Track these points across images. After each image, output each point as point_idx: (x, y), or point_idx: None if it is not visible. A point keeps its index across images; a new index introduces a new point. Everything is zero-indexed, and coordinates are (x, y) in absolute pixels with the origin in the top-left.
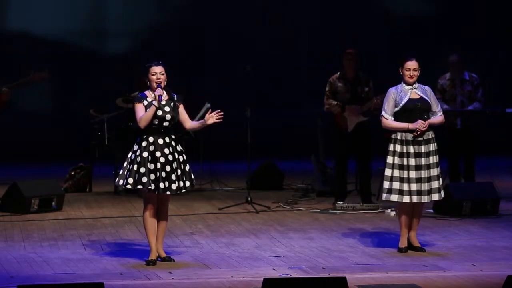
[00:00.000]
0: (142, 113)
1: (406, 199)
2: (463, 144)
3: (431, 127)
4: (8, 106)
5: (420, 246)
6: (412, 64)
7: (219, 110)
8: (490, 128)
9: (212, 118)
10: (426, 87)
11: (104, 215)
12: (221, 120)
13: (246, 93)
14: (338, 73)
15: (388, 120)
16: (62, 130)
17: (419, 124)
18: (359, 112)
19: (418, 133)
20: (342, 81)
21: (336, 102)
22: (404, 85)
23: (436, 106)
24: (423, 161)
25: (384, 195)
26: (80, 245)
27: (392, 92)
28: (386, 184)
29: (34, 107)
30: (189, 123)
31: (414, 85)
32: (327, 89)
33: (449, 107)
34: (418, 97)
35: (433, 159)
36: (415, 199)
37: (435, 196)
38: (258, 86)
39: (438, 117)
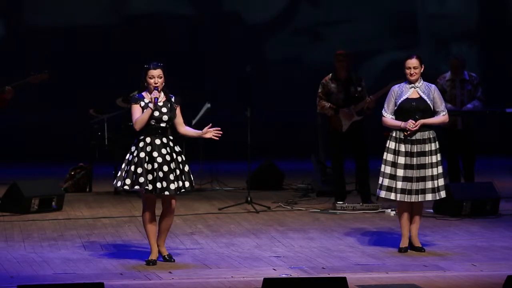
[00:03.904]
0: (138, 115)
1: (393, 196)
2: (463, 144)
3: (432, 126)
4: (9, 104)
5: (420, 246)
6: (411, 62)
7: (219, 128)
8: (490, 128)
9: (210, 133)
10: (432, 86)
11: (104, 215)
12: (218, 138)
13: (246, 93)
14: (330, 74)
15: (386, 118)
16: (62, 130)
17: (409, 124)
18: (353, 113)
19: (408, 132)
20: (335, 81)
21: (329, 105)
22: (406, 83)
23: (439, 106)
24: (414, 160)
25: (377, 190)
26: (80, 245)
27: (393, 90)
28: (379, 180)
29: (34, 106)
30: (183, 128)
31: (417, 83)
32: (319, 90)
33: (450, 107)
34: (417, 96)
35: (430, 159)
36: (399, 197)
37: (428, 197)
38: (258, 86)
39: (439, 117)
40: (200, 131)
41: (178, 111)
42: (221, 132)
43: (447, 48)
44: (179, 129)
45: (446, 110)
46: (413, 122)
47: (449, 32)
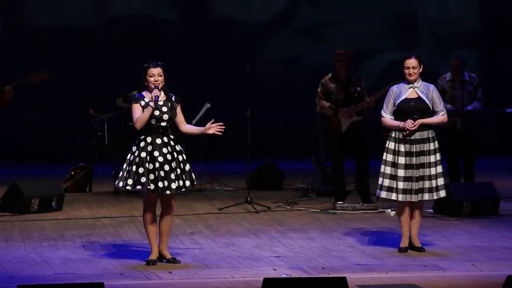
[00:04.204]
0: (138, 114)
1: (394, 196)
2: (463, 144)
3: (431, 126)
4: (9, 104)
5: (420, 246)
6: (410, 62)
7: (221, 123)
8: (490, 128)
9: (212, 128)
10: (430, 86)
11: (104, 215)
12: (221, 133)
13: (246, 93)
14: (330, 74)
15: (385, 118)
16: (62, 130)
17: (407, 124)
18: (352, 113)
19: (407, 132)
20: (335, 81)
21: (328, 104)
22: (405, 83)
23: (438, 105)
24: (414, 160)
25: (377, 191)
26: (80, 245)
27: (392, 90)
28: (379, 180)
29: (34, 106)
30: (185, 126)
31: (416, 84)
32: (319, 90)
33: (450, 107)
34: (415, 96)
35: (429, 159)
36: (400, 197)
37: (426, 196)
38: (258, 86)
39: (438, 117)
40: (202, 128)
41: (178, 109)
42: (223, 127)
43: (447, 49)
44: (180, 127)
45: (445, 110)
46: (412, 122)
47: (449, 32)
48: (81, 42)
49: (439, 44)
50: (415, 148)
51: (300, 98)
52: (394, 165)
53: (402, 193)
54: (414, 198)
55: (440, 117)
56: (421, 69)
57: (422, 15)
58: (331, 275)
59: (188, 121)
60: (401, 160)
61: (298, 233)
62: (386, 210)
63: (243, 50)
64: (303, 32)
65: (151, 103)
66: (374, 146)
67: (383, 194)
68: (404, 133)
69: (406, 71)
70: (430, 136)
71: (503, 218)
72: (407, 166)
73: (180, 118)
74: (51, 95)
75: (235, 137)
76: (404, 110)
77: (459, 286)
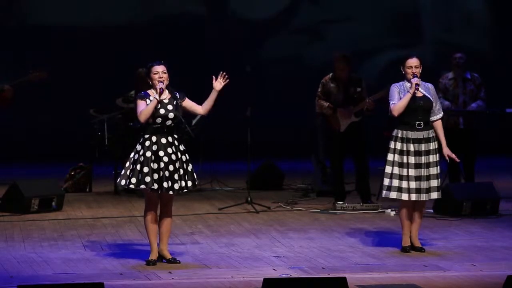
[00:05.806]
0: (143, 107)
1: (405, 196)
2: (463, 144)
3: (432, 126)
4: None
5: (420, 246)
6: (413, 61)
7: (222, 72)
8: (490, 128)
9: (219, 83)
10: (429, 85)
11: (104, 215)
12: (228, 80)
13: (246, 93)
14: (331, 74)
15: (395, 104)
16: (62, 130)
17: (413, 83)
18: (351, 114)
19: (417, 87)
20: (335, 82)
21: (327, 104)
22: (406, 83)
23: (436, 105)
24: (423, 159)
25: (383, 192)
26: (80, 245)
27: (396, 86)
28: (386, 181)
29: (34, 106)
30: (202, 108)
31: None
32: (319, 90)
33: (451, 106)
34: (421, 95)
35: (433, 158)
36: (413, 197)
37: (434, 195)
38: (258, 86)
39: (439, 125)
40: (212, 92)
41: (186, 102)
42: (226, 75)
43: (448, 48)
44: (199, 112)
45: (441, 110)
46: (416, 80)
47: (450, 31)
48: (81, 42)
49: (440, 43)
50: (423, 147)
51: (300, 98)
52: (402, 165)
53: (415, 193)
54: (423, 197)
55: (440, 124)
56: (421, 69)
57: (423, 14)
58: (331, 275)
59: (188, 121)
60: (411, 159)
61: (298, 233)
62: (386, 210)
63: (243, 49)
64: (303, 31)
65: (156, 95)
66: (374, 146)
67: (393, 195)
68: (416, 86)
69: (409, 70)
70: (433, 135)
71: (503, 218)
72: (416, 166)
73: (193, 106)
74: (51, 95)
75: (235, 137)
76: (413, 108)
77: (459, 286)
